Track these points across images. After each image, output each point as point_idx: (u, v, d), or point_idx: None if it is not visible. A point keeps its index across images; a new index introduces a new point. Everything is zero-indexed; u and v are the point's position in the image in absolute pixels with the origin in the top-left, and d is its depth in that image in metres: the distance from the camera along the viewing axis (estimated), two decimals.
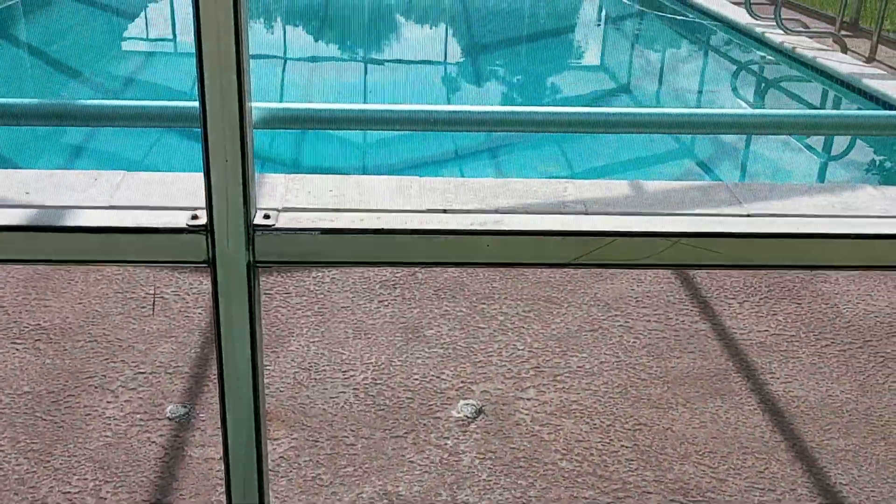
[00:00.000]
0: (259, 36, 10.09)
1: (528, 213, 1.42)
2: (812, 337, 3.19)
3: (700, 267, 1.53)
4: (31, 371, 2.81)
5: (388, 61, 9.22)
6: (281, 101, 7.45)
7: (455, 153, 5.64)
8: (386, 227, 1.26)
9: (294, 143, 6.04)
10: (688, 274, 3.62)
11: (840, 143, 6.38)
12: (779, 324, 3.27)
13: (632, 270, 3.62)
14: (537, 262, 1.32)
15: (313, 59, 9.12)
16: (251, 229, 1.24)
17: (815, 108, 7.45)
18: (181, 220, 1.25)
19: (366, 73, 8.67)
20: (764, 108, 7.50)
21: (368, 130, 4.01)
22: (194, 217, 1.25)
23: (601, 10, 12.25)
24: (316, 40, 10.10)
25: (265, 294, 3.31)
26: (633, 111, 2.92)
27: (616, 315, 3.28)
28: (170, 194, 3.91)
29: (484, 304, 3.32)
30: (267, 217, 1.26)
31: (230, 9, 1.12)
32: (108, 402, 2.67)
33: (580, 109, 3.08)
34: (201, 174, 1.21)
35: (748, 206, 4.14)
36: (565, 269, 3.62)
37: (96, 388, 2.74)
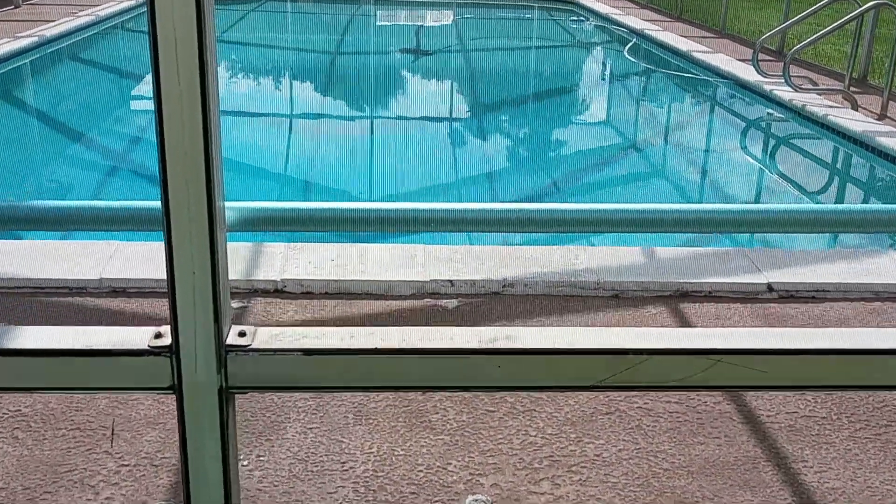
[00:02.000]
0: (264, 93, 10.06)
1: (542, 325, 1.25)
2: (845, 419, 2.98)
3: (745, 389, 1.35)
4: (7, 464, 2.62)
5: (394, 118, 9.15)
6: (286, 161, 7.35)
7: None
8: (381, 345, 1.08)
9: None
10: None
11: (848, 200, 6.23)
12: (808, 404, 3.06)
13: None
14: (557, 385, 1.14)
15: (318, 115, 9.05)
16: (223, 350, 1.06)
17: (828, 165, 7.30)
18: (142, 339, 1.07)
19: (372, 129, 8.59)
20: (775, 167, 7.36)
21: (359, 231, 3.86)
22: (158, 336, 1.07)
23: (606, 68, 12.23)
24: (322, 97, 10.06)
25: None
26: (636, 208, 2.76)
27: (633, 395, 3.08)
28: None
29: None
30: (242, 335, 1.08)
31: (197, 92, 0.96)
32: (87, 499, 2.47)
33: (597, 206, 2.92)
34: None
35: (768, 274, 3.96)
36: None
37: (76, 483, 2.54)
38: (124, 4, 13.35)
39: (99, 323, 3.43)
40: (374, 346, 1.08)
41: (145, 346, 1.06)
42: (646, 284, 3.85)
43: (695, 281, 3.88)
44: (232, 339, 1.07)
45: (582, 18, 15.17)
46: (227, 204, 1.11)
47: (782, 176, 7.01)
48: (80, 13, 12.03)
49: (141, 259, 3.85)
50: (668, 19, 14.02)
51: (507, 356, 1.11)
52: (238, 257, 3.89)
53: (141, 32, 13.40)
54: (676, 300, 3.83)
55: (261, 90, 10.42)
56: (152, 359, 1.06)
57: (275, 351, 1.07)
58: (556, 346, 1.11)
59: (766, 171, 7.28)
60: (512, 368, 1.12)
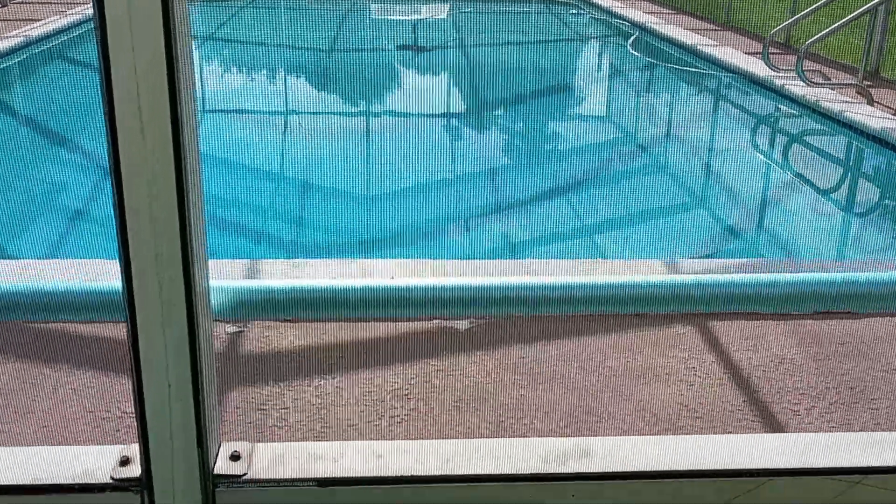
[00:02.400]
0: (257, 91, 9.78)
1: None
2: None
3: None
4: None
5: (390, 114, 8.87)
6: (281, 159, 7.07)
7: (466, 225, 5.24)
8: (415, 470, 0.82)
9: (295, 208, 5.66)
10: (750, 372, 3.17)
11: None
12: None
13: (680, 370, 3.18)
14: None
15: (313, 112, 8.78)
16: (210, 482, 0.80)
17: (845, 163, 7.05)
18: (104, 466, 0.81)
19: (368, 126, 8.32)
20: (789, 165, 7.10)
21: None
22: (124, 462, 0.81)
23: (609, 63, 11.96)
24: (317, 94, 9.77)
25: (258, 410, 2.86)
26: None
27: (667, 429, 2.82)
28: None
29: (511, 418, 2.86)
30: (235, 458, 0.82)
31: (167, 131, 0.71)
32: None
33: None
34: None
35: None
36: (602, 368, 3.17)
37: None
38: None
39: (86, 350, 3.17)
40: (407, 474, 0.82)
41: (107, 479, 0.80)
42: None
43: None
44: (222, 464, 0.81)
45: (582, 12, 14.88)
46: (216, 283, 0.84)
47: (797, 175, 6.76)
48: (69, 11, 11.73)
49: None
50: (671, 11, 13.76)
51: (581, 483, 0.85)
52: (234, 277, 3.63)
53: None
54: (704, 317, 3.57)
55: (254, 88, 10.14)
56: (117, 495, 0.79)
57: (279, 482, 0.81)
58: (651, 468, 0.84)
59: (780, 169, 7.03)
60: (591, 499, 0.85)
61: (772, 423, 2.90)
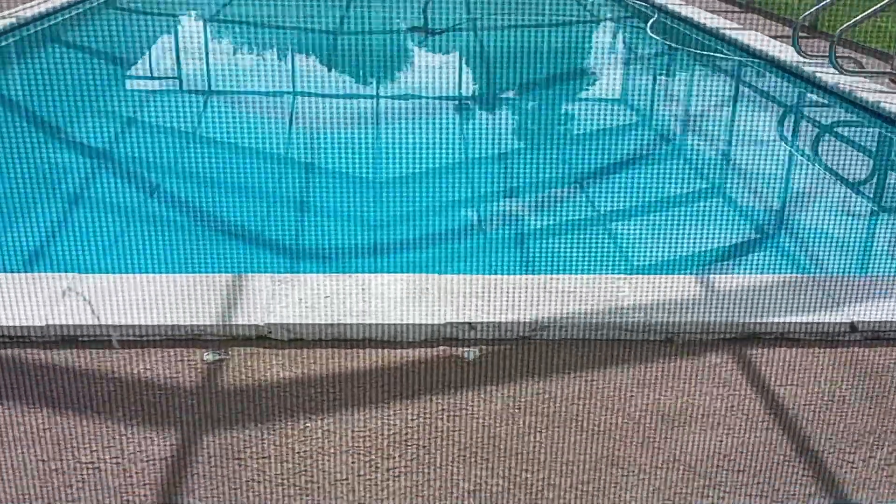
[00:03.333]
0: (264, 72, 9.38)
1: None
2: None
3: None
4: None
5: (401, 97, 8.46)
6: (288, 140, 6.68)
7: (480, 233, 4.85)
8: None
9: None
10: (797, 412, 2.78)
11: None
12: None
13: (717, 409, 2.79)
14: None
15: (322, 95, 8.39)
16: None
17: (880, 156, 6.60)
18: None
19: (377, 110, 7.93)
20: (819, 158, 6.66)
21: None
22: None
23: (627, 47, 11.49)
24: (326, 77, 9.36)
25: (235, 459, 2.50)
26: None
27: (705, 485, 2.45)
28: (144, 303, 3.11)
29: (527, 470, 2.49)
30: None
31: None
32: None
33: None
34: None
35: (849, 310, 3.31)
36: (629, 407, 2.79)
37: None
38: None
39: (38, 386, 2.81)
40: None
41: None
42: (705, 325, 3.20)
43: (764, 321, 3.23)
44: None
45: None
46: None
47: (828, 169, 6.32)
48: None
49: (100, 296, 3.22)
50: None
51: None
52: (215, 294, 3.26)
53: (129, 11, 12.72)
54: (743, 344, 3.18)
55: (261, 69, 9.74)
56: None
57: None
58: None
59: (809, 161, 6.59)
60: None
61: (825, 481, 2.51)
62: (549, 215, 5.07)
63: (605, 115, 7.83)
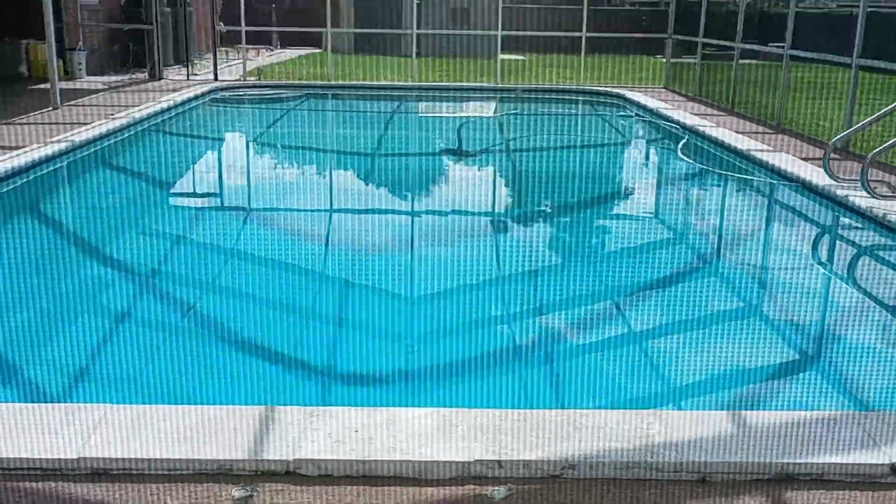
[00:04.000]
0: (304, 189, 9.63)
1: None
2: None
3: None
4: None
5: (436, 214, 8.61)
6: (325, 257, 6.80)
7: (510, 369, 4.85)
8: None
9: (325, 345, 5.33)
10: None
11: None
12: None
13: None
14: None
15: (361, 210, 8.57)
16: None
17: None
18: None
19: (413, 227, 8.06)
20: (855, 284, 6.61)
21: None
22: None
23: (659, 168, 11.66)
24: (363, 195, 9.59)
25: None
26: None
27: None
28: (174, 436, 3.14)
29: None
30: None
31: None
32: None
33: None
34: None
35: (889, 450, 3.23)
36: None
37: None
38: (160, 106, 13.23)
39: None
40: None
41: None
42: (739, 465, 3.14)
43: (800, 461, 3.16)
44: None
45: (630, 114, 14.71)
46: None
47: (864, 296, 6.26)
48: (116, 115, 11.86)
49: (131, 428, 3.25)
50: (721, 113, 13.50)
51: None
52: (244, 426, 3.28)
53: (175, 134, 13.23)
54: (778, 486, 3.11)
55: (301, 186, 10.01)
56: None
57: None
58: None
59: (844, 288, 6.54)
60: None
61: None
62: (580, 347, 5.06)
63: (636, 238, 7.89)
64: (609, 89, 16.59)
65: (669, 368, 4.62)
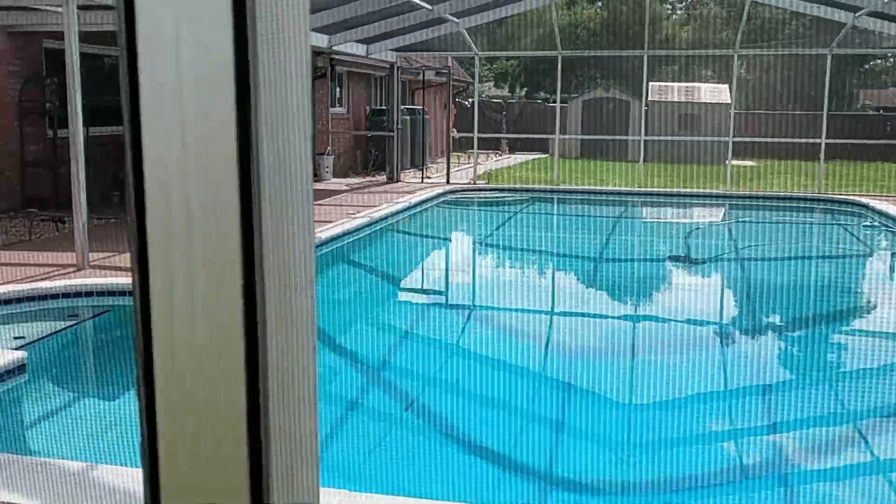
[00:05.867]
0: (525, 290, 9.83)
1: None
2: None
3: None
4: None
5: (658, 319, 8.46)
6: (544, 358, 6.88)
7: None
8: None
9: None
10: None
11: None
12: None
13: None
14: None
15: (583, 314, 8.59)
16: None
17: None
18: None
19: (634, 335, 7.96)
20: None
21: None
22: None
23: None
24: (588, 291, 9.63)
25: None
26: None
27: None
28: None
29: None
30: None
31: None
32: None
33: None
34: None
35: None
36: None
37: None
38: (396, 207, 14.07)
39: None
40: None
41: None
42: None
43: None
44: None
45: (875, 223, 13.81)
46: None
47: None
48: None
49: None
50: None
51: None
52: None
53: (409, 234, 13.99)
54: None
55: (524, 287, 10.22)
56: None
57: None
58: None
59: None
60: None
61: None
62: (812, 474, 4.73)
63: (880, 358, 7.31)
64: (850, 197, 15.71)
65: None
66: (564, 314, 9.03)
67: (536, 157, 26.33)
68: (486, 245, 13.43)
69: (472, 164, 19.39)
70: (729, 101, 20.31)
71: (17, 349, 5.68)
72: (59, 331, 6.91)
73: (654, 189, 17.61)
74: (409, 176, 19.52)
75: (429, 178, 19.28)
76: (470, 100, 25.61)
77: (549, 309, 9.20)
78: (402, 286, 10.51)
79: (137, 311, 0.48)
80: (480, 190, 17.54)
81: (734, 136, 17.59)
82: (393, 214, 13.60)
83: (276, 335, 0.48)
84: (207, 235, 0.46)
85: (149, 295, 0.47)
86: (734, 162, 17.93)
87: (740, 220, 15.22)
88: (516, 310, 9.03)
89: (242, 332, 0.46)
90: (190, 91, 0.45)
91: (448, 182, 18.11)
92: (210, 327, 0.47)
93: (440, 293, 10.09)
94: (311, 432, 0.54)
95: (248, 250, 0.45)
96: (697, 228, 14.64)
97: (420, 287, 10.54)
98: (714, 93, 25.14)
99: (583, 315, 8.87)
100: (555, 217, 16.79)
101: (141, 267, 0.47)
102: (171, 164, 0.46)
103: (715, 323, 8.65)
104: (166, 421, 0.50)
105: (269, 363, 0.48)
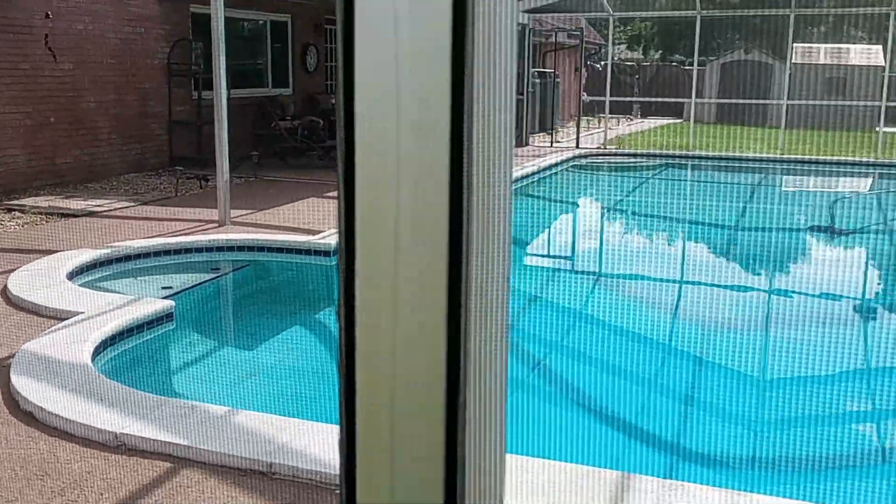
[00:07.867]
0: (656, 257, 9.63)
1: None
2: None
3: None
4: None
5: (798, 293, 8.12)
6: (672, 327, 6.74)
7: None
8: None
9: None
10: None
11: None
12: None
13: None
14: None
15: (716, 285, 8.35)
16: None
17: None
18: None
19: (769, 306, 7.68)
20: None
21: None
22: None
23: None
24: (723, 261, 9.34)
25: None
26: None
27: None
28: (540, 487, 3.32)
29: None
30: None
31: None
32: None
33: None
34: None
35: None
36: None
37: None
38: (526, 171, 14.01)
39: None
40: None
41: None
42: None
43: None
44: None
45: None
46: None
47: None
48: None
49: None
50: None
51: None
52: (601, 488, 3.34)
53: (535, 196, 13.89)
54: None
55: (655, 256, 10.01)
56: None
57: None
58: None
59: None
60: None
61: None
62: None
63: None
64: None
65: None
66: (697, 284, 8.79)
67: (670, 121, 25.57)
68: (616, 211, 13.19)
69: (603, 129, 19.02)
70: (882, 64, 19.06)
71: (165, 298, 6.00)
72: (203, 282, 7.25)
73: (796, 156, 16.81)
74: (539, 140, 19.34)
75: (558, 142, 19.05)
76: (602, 63, 25.07)
77: (680, 279, 8.97)
78: (528, 251, 10.48)
79: (342, 295, 0.49)
80: (611, 155, 17.21)
81: (888, 101, 16.54)
82: (521, 178, 13.53)
83: (475, 325, 0.48)
84: (416, 211, 0.46)
85: (353, 274, 0.47)
86: (886, 129, 16.87)
87: (891, 189, 14.35)
88: (646, 278, 8.86)
89: (444, 320, 0.46)
90: (405, 60, 0.44)
91: (577, 146, 17.84)
92: (413, 308, 0.47)
93: (568, 258, 10.00)
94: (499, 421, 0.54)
95: (456, 231, 0.45)
96: (845, 198, 13.90)
97: (547, 252, 10.48)
98: (866, 54, 23.65)
99: (716, 286, 8.60)
100: (688, 184, 16.29)
101: (348, 239, 0.47)
102: (385, 130, 0.46)
103: (857, 298, 8.23)
104: (365, 391, 0.51)
105: (470, 353, 0.48)
